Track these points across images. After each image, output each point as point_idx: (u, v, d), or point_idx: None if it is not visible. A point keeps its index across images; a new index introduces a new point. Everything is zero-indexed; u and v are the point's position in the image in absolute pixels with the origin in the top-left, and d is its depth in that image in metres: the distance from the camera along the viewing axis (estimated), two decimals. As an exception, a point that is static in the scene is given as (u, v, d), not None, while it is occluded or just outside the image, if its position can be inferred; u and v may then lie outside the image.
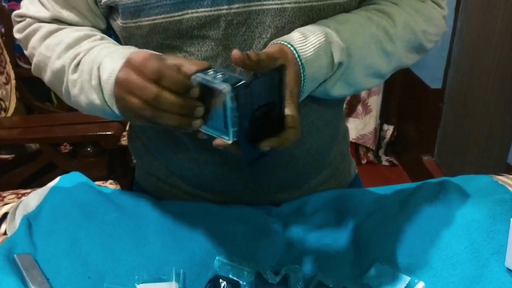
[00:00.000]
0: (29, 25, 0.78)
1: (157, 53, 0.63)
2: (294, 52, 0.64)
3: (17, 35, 0.80)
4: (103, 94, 0.66)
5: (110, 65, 0.64)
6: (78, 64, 0.70)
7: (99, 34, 0.75)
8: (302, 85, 0.66)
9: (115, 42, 0.74)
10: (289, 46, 0.65)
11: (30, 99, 1.98)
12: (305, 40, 0.65)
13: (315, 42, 0.66)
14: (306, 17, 0.69)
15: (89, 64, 0.68)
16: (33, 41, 0.77)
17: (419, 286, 0.64)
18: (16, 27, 0.80)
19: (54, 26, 0.76)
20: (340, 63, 0.68)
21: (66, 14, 0.75)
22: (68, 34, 0.74)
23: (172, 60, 0.59)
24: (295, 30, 0.68)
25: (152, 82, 0.56)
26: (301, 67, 0.65)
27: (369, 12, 0.73)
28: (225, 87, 0.53)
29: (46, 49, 0.74)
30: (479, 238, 0.69)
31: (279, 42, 0.66)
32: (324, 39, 0.66)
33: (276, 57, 0.61)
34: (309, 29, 0.67)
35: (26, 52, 0.80)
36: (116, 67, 0.62)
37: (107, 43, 0.72)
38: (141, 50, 0.68)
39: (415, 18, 0.76)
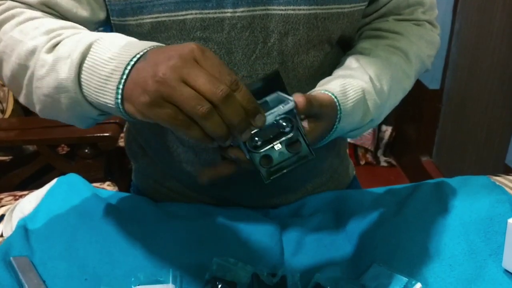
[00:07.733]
0: (9, 9, 0.64)
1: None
2: (338, 108, 0.64)
3: None
4: (80, 70, 0.53)
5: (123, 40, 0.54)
6: (56, 45, 0.57)
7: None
8: (328, 137, 0.66)
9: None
10: (335, 100, 0.64)
11: (28, 100, 1.97)
12: (345, 95, 0.65)
13: (354, 96, 0.66)
14: (310, 25, 0.68)
15: (75, 42, 0.56)
16: (7, 26, 0.62)
17: (417, 288, 0.64)
18: None
19: (38, 13, 0.64)
20: (371, 120, 0.70)
21: None
22: (52, 20, 0.63)
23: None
24: (335, 79, 0.67)
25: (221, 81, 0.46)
26: (337, 120, 0.65)
27: (385, 52, 0.73)
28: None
29: (19, 33, 0.60)
30: (476, 239, 0.69)
31: (324, 91, 0.64)
32: (361, 95, 0.67)
33: (324, 106, 0.61)
34: (350, 82, 0.66)
35: None
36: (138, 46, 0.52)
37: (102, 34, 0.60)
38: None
39: (421, 46, 0.77)
